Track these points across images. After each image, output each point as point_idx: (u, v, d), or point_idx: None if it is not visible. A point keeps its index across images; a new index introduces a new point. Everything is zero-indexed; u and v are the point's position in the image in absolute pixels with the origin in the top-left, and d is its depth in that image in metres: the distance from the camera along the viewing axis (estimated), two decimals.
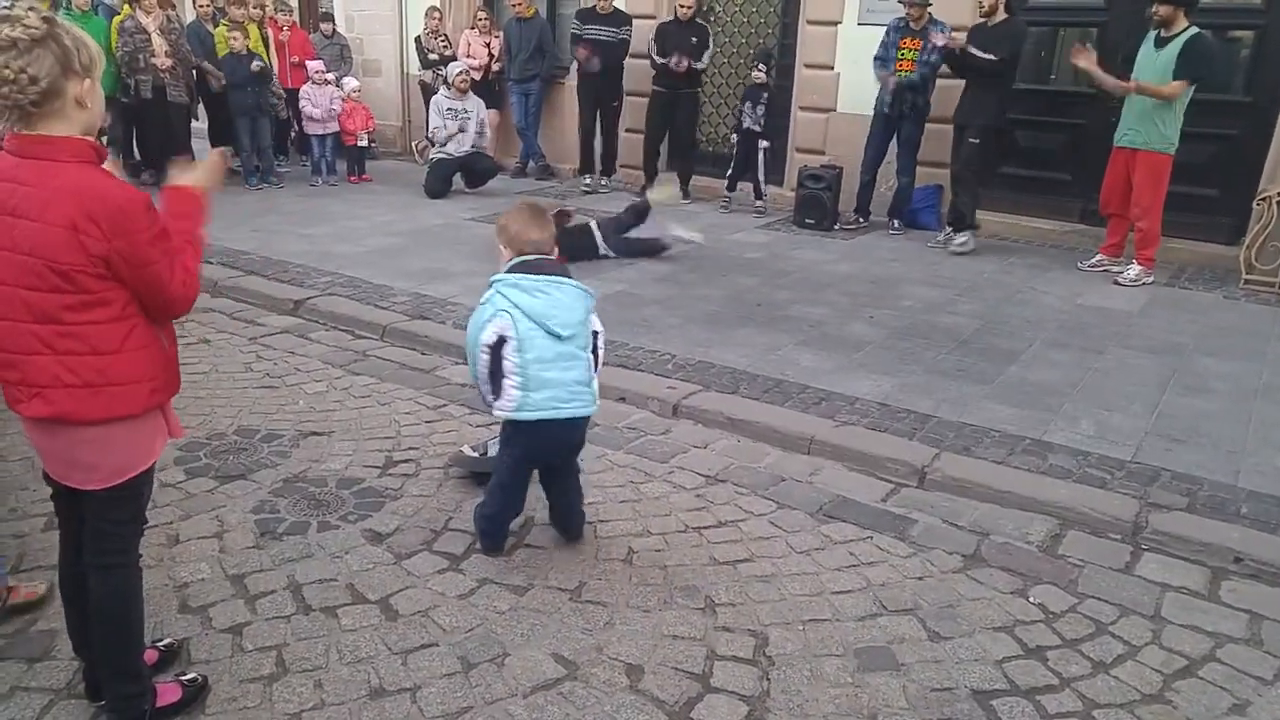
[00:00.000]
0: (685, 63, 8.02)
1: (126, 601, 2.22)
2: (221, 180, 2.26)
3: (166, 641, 2.49)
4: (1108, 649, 2.65)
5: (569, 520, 3.10)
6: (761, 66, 8.14)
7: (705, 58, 8.39)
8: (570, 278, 2.90)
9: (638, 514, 3.32)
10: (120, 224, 1.89)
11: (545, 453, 2.97)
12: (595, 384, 2.95)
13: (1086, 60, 6.36)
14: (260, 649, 2.53)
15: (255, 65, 8.54)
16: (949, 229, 7.30)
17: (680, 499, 3.44)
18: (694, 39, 8.33)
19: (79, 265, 1.89)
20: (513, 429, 2.89)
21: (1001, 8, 6.71)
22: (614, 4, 8.78)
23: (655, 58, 8.49)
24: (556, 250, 3.00)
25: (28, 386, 1.99)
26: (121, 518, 2.17)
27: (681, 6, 8.26)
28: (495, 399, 2.87)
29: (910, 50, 7.24)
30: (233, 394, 4.26)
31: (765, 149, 8.28)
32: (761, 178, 8.39)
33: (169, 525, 3.12)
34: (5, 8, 1.89)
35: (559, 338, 2.80)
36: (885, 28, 7.38)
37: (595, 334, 3.01)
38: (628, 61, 8.84)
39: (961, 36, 6.88)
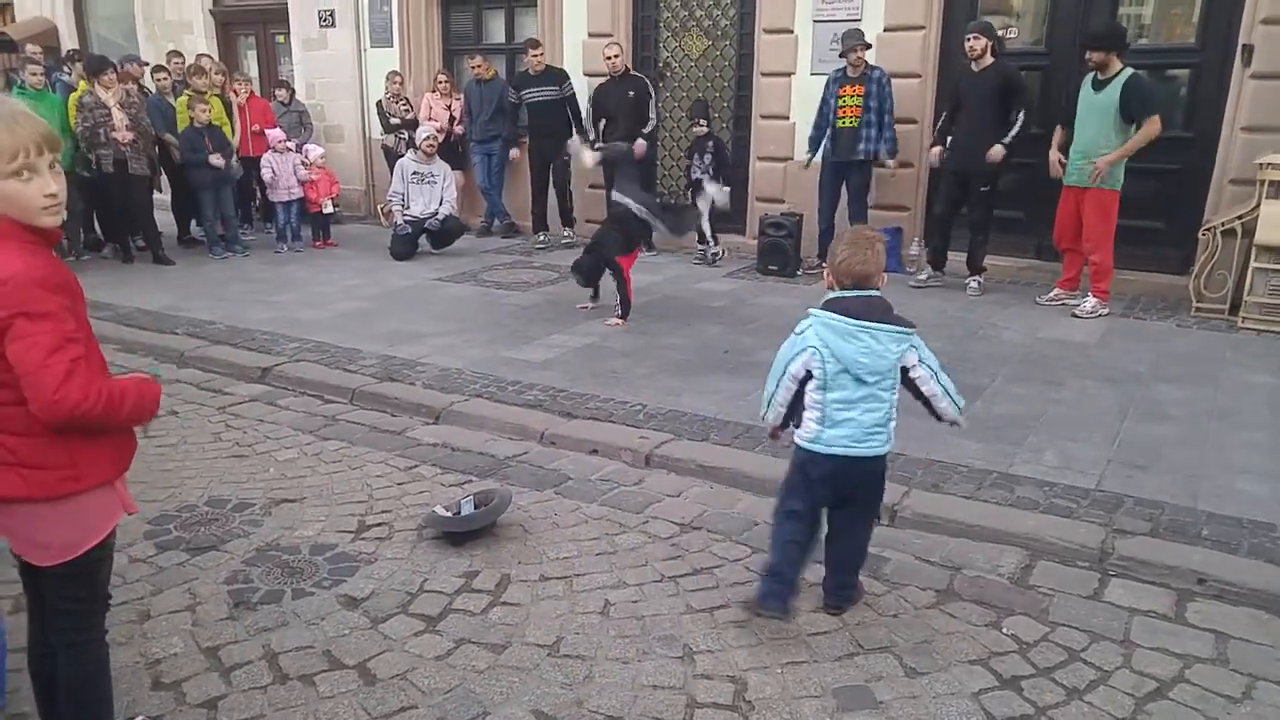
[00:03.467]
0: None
1: (93, 679, 2.19)
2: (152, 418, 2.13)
3: (139, 719, 2.46)
4: (1080, 675, 2.69)
5: (843, 575, 3.02)
6: (701, 121, 8.33)
7: (650, 119, 8.51)
8: (889, 318, 2.75)
9: (613, 565, 3.33)
10: (8, 293, 1.85)
11: (831, 486, 2.89)
12: (893, 427, 2.88)
13: (1096, 176, 6.32)
14: None
15: (215, 160, 8.59)
16: (930, 269, 7.45)
17: (655, 549, 3.45)
18: (630, 93, 8.47)
19: None
20: (806, 457, 2.87)
21: (988, 53, 6.78)
22: (545, 62, 8.94)
23: (588, 126, 8.72)
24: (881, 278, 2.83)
25: None
26: (80, 594, 2.14)
27: (608, 59, 8.40)
28: (785, 425, 2.92)
29: (852, 97, 7.43)
30: (202, 464, 4.24)
31: (725, 192, 8.28)
32: (707, 227, 8.40)
33: (140, 601, 3.07)
34: None
35: (864, 383, 2.76)
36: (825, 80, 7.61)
37: (913, 365, 2.82)
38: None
39: (998, 150, 6.78)
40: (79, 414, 1.91)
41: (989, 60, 6.80)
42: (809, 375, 2.78)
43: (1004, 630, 2.92)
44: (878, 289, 2.79)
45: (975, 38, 6.78)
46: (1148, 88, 6.26)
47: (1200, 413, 4.63)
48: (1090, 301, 6.54)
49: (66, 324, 1.92)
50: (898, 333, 2.74)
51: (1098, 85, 6.32)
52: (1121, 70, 6.22)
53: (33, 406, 1.90)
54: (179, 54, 10.39)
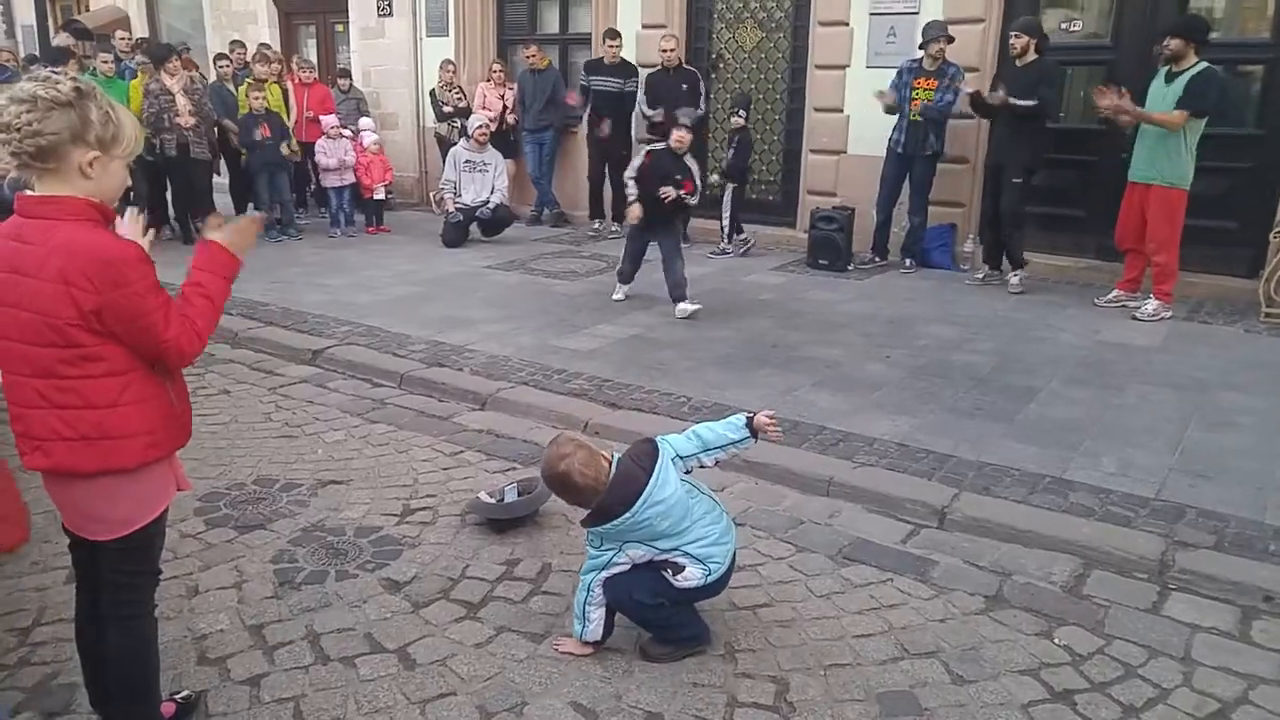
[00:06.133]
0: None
1: (142, 653, 2.23)
2: (253, 241, 2.30)
3: (184, 694, 2.49)
4: (1138, 692, 2.59)
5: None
6: (741, 112, 8.24)
7: (696, 111, 8.32)
8: (641, 488, 2.60)
9: None
10: (110, 276, 1.92)
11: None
12: None
13: (1110, 100, 6.23)
14: (278, 700, 2.52)
15: (257, 136, 8.77)
16: (986, 268, 7.33)
17: None
18: (684, 86, 8.40)
19: (71, 319, 1.93)
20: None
21: (1032, 49, 6.70)
22: (621, 55, 8.92)
23: (644, 110, 8.64)
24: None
25: (30, 439, 2.04)
26: (133, 569, 2.19)
27: (663, 52, 8.36)
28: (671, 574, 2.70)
29: (924, 90, 7.30)
30: (252, 444, 4.30)
31: (733, 189, 8.33)
32: (726, 220, 8.37)
33: (189, 576, 3.13)
34: (49, 72, 1.99)
35: (694, 520, 2.68)
36: (896, 69, 7.46)
37: None
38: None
39: (1000, 92, 6.77)
40: (205, 342, 2.11)
41: (1031, 57, 6.71)
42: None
43: (1056, 641, 2.83)
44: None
45: (1017, 36, 6.76)
46: (1212, 83, 5.96)
47: (1270, 423, 4.45)
48: (1152, 304, 6.33)
49: (159, 289, 2.03)
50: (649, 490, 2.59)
51: (1170, 78, 6.10)
52: (1196, 64, 5.99)
53: (172, 363, 2.08)
54: (241, 44, 10.58)
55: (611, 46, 8.91)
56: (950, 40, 7.19)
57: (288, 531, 3.46)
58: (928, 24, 7.32)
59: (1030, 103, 6.63)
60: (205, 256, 2.18)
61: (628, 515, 2.53)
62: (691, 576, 2.66)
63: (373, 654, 2.72)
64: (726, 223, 8.41)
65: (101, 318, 1.94)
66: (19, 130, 1.89)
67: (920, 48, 7.32)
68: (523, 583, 3.13)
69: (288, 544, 3.36)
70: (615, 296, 6.74)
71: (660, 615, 2.69)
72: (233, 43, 10.45)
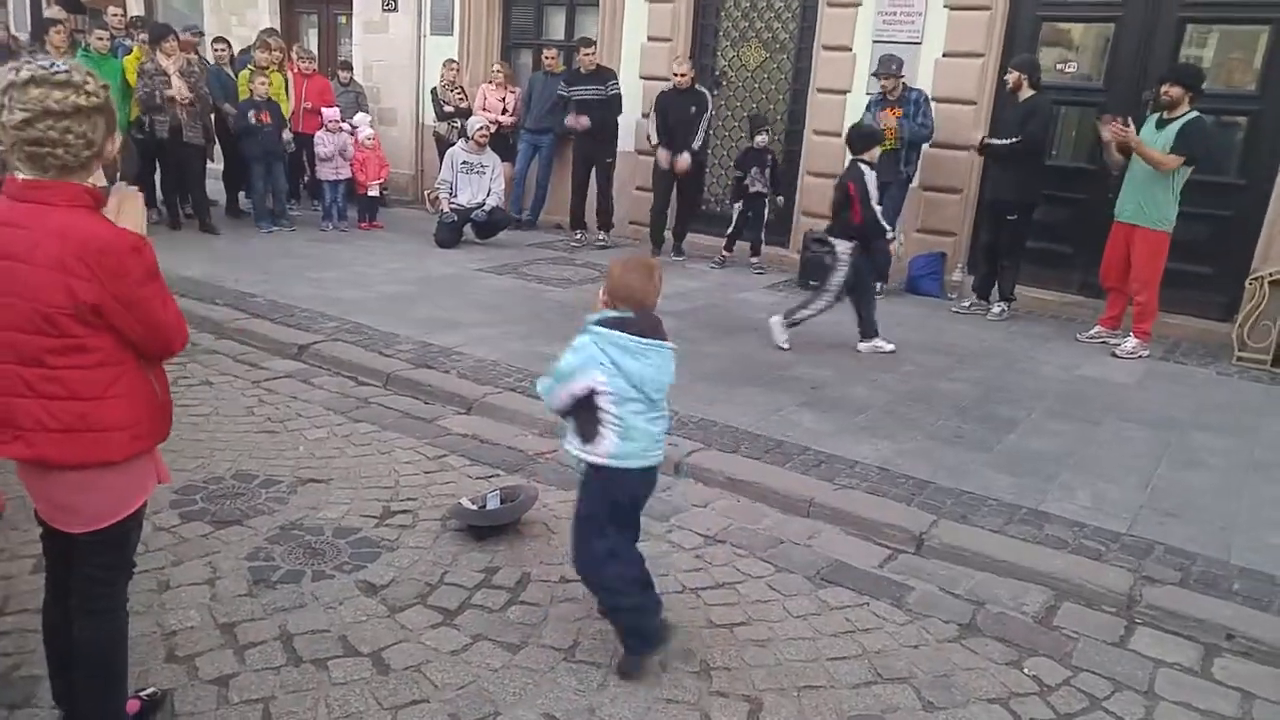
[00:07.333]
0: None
1: (111, 648, 2.20)
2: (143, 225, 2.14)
3: (150, 691, 2.46)
4: None
5: None
6: (764, 131, 8.32)
7: (699, 135, 8.46)
8: (666, 338, 2.77)
9: None
10: (110, 266, 1.91)
11: (633, 502, 2.87)
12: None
13: (1116, 128, 6.32)
14: (247, 701, 2.51)
15: (256, 120, 8.75)
16: (974, 296, 7.45)
17: (679, 559, 3.44)
18: (693, 108, 8.38)
19: (63, 308, 1.91)
20: (608, 475, 2.74)
21: (1026, 84, 6.83)
22: (596, 62, 8.90)
23: (651, 134, 8.63)
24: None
25: (10, 428, 2.00)
26: (108, 562, 2.17)
27: (678, 76, 8.34)
28: (579, 441, 2.76)
29: (892, 119, 7.48)
30: (232, 438, 4.28)
31: (779, 204, 8.49)
32: (762, 236, 8.57)
33: (160, 570, 3.10)
34: (47, 66, 1.92)
35: (653, 399, 2.75)
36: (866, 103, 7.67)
37: None
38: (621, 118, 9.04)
39: (977, 134, 7.04)
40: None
41: (1027, 93, 6.86)
42: (594, 392, 2.69)
43: (1025, 670, 2.87)
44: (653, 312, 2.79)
45: (1010, 72, 6.94)
46: (1203, 130, 6.18)
47: (1237, 464, 4.53)
48: (1131, 342, 6.43)
49: (158, 274, 2.02)
50: (673, 350, 2.77)
51: (1161, 124, 6.25)
52: (1189, 112, 6.16)
53: (160, 352, 2.09)
54: (225, 40, 10.01)
55: (586, 54, 8.85)
56: (898, 77, 7.40)
57: (265, 529, 3.44)
58: (882, 57, 7.53)
59: (1007, 141, 6.79)
60: None
61: (640, 339, 2.66)
62: (601, 448, 2.69)
63: (346, 657, 2.72)
64: (764, 236, 8.57)
65: (101, 311, 1.93)
66: (71, 145, 1.90)
67: (874, 76, 7.57)
68: (501, 591, 3.14)
69: (264, 541, 3.35)
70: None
71: (596, 545, 2.74)
72: (215, 39, 10.20)
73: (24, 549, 3.11)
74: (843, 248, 6.00)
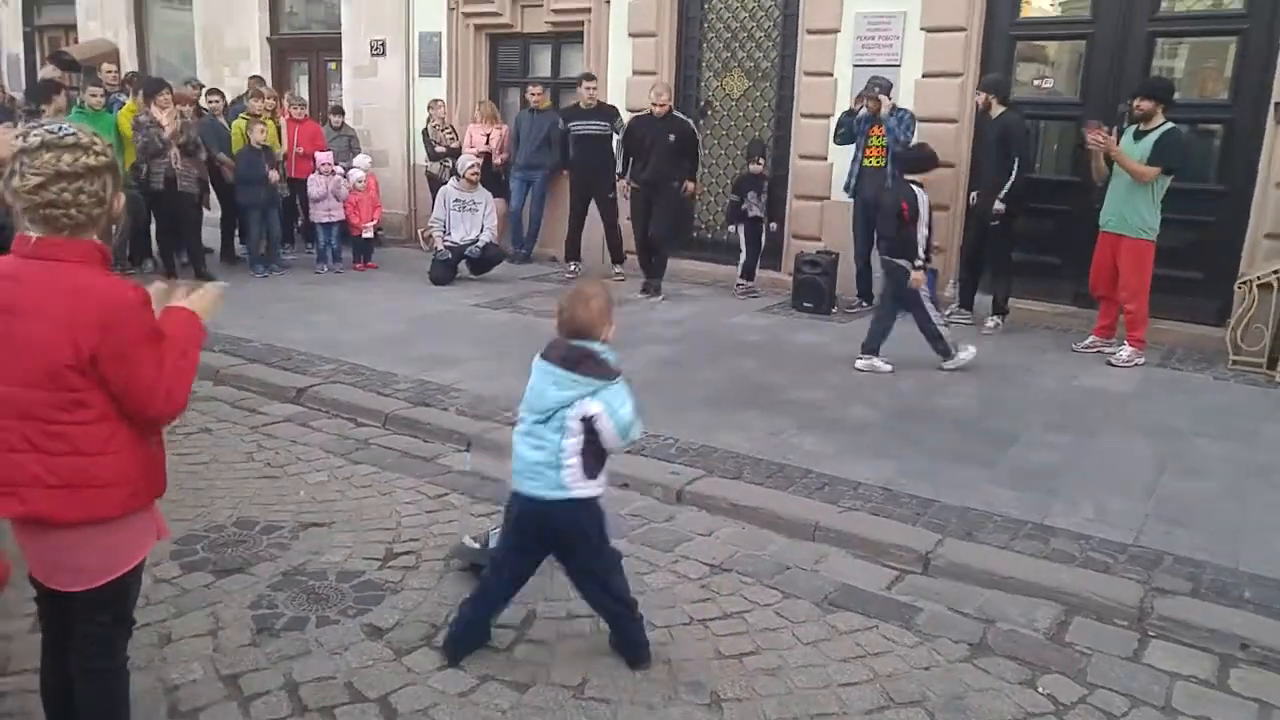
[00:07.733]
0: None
1: (112, 708, 2.18)
2: (218, 311, 2.30)
3: None
4: None
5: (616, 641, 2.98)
6: (760, 159, 8.38)
7: (693, 164, 8.51)
8: (579, 368, 2.75)
9: (641, 605, 3.24)
10: (110, 319, 1.92)
11: (520, 527, 2.90)
12: (566, 474, 2.78)
13: (1100, 135, 6.40)
14: None
15: (272, 175, 8.88)
16: (955, 304, 7.52)
17: (685, 590, 3.41)
18: (671, 137, 8.22)
19: (68, 362, 1.91)
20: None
21: (995, 103, 7.01)
22: (598, 98, 8.92)
23: (616, 152, 8.65)
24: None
25: (5, 485, 1.98)
26: (107, 619, 2.15)
27: (656, 106, 8.24)
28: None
29: (878, 138, 7.61)
30: (233, 484, 4.26)
31: (773, 229, 8.57)
32: (756, 261, 8.58)
33: (161, 623, 3.06)
34: (55, 130, 1.97)
35: (526, 419, 2.84)
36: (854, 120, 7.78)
37: (592, 418, 2.76)
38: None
39: (998, 208, 6.97)
40: (178, 410, 2.07)
41: (998, 110, 7.04)
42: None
43: (1040, 689, 2.84)
44: (598, 340, 2.81)
45: (978, 92, 7.25)
46: (1178, 141, 6.31)
47: (1239, 469, 4.52)
48: (1126, 350, 6.46)
49: (160, 338, 2.02)
50: (571, 379, 2.74)
51: (1139, 136, 6.38)
52: (1164, 123, 6.28)
53: (135, 412, 2.02)
54: (219, 92, 10.12)
55: (588, 88, 8.83)
56: (877, 100, 7.49)
57: (268, 575, 3.42)
58: (870, 79, 7.63)
59: (1002, 208, 6.91)
60: (178, 325, 2.13)
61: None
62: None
63: (353, 703, 2.69)
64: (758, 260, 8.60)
65: (96, 361, 1.93)
66: (83, 205, 1.94)
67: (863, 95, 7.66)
68: (507, 630, 3.11)
69: (267, 588, 3.32)
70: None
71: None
72: (209, 91, 10.30)
73: (21, 607, 3.05)
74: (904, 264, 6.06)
